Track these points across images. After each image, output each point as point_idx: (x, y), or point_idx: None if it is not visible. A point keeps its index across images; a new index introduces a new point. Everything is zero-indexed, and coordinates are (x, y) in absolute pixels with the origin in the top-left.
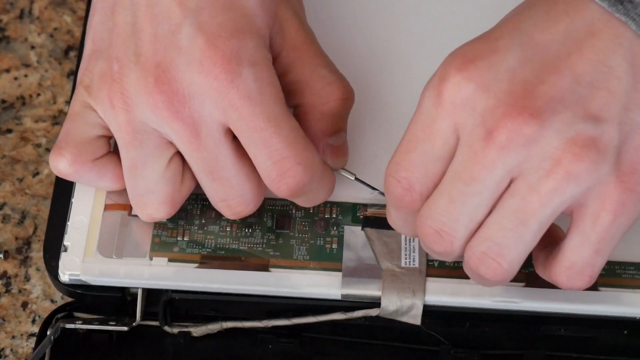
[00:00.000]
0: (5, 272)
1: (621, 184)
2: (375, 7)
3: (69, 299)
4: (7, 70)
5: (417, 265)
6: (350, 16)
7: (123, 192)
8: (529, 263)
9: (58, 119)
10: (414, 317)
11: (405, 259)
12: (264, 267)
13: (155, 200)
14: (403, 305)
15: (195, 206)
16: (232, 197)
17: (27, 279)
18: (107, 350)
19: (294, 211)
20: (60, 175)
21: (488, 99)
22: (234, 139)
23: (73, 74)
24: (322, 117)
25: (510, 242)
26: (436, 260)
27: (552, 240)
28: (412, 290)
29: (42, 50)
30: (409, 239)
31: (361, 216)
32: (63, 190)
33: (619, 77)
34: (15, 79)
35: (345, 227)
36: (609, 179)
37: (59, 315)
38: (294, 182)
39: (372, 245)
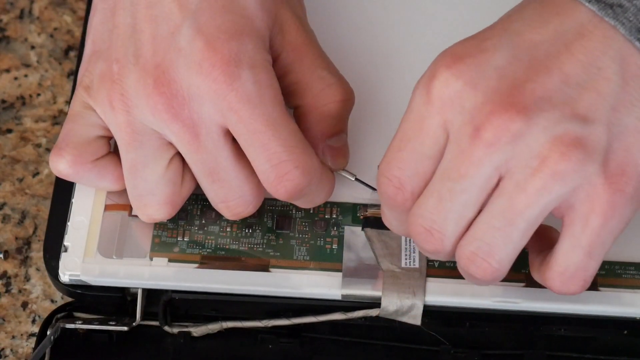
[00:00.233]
0: (5, 272)
1: (610, 186)
2: (377, 8)
3: (69, 299)
4: (7, 70)
5: (417, 265)
6: (351, 17)
7: (123, 192)
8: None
9: (58, 119)
10: (414, 318)
11: (406, 259)
12: (264, 268)
13: (155, 201)
14: (403, 305)
15: (196, 207)
16: (231, 199)
17: (27, 279)
18: (107, 350)
19: (294, 212)
20: (60, 176)
21: (476, 97)
22: (233, 140)
23: (73, 74)
24: (323, 118)
25: (499, 242)
26: (436, 261)
27: (549, 245)
28: (412, 291)
29: (42, 50)
30: (409, 240)
31: (361, 216)
32: (63, 191)
33: (608, 78)
34: (15, 79)
35: (346, 227)
36: (597, 180)
37: (59, 315)
38: (292, 186)
39: (372, 245)
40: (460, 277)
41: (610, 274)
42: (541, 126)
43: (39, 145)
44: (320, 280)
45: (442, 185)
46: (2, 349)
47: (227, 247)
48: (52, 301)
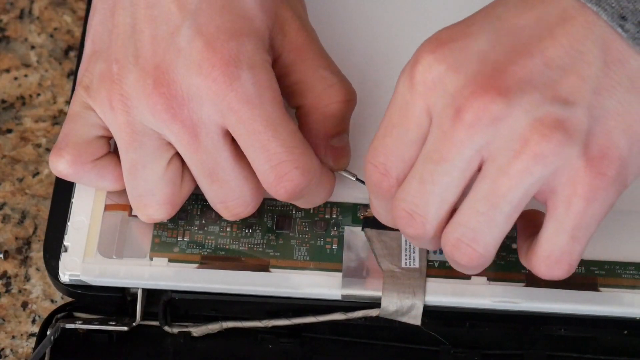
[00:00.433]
0: (5, 272)
1: (592, 169)
2: (378, 7)
3: (69, 299)
4: (7, 70)
5: (417, 265)
6: (353, 17)
7: (123, 192)
8: None
9: (58, 119)
10: (414, 318)
11: (406, 259)
12: (264, 268)
13: (155, 201)
14: (403, 305)
15: (196, 207)
16: (231, 199)
17: (27, 279)
18: (107, 350)
19: (294, 212)
20: (60, 176)
21: (458, 80)
22: (233, 141)
23: (73, 74)
24: (324, 118)
25: (484, 227)
26: (436, 261)
27: (537, 230)
28: (412, 291)
29: (42, 50)
30: None
31: (361, 216)
32: (63, 191)
33: (590, 62)
34: (15, 79)
35: (346, 227)
36: (578, 163)
37: (59, 315)
38: (292, 186)
39: (372, 245)
40: (460, 277)
41: (610, 274)
42: (522, 108)
43: (39, 145)
44: (320, 280)
45: (424, 168)
46: (2, 349)
47: (227, 247)
48: (52, 301)
